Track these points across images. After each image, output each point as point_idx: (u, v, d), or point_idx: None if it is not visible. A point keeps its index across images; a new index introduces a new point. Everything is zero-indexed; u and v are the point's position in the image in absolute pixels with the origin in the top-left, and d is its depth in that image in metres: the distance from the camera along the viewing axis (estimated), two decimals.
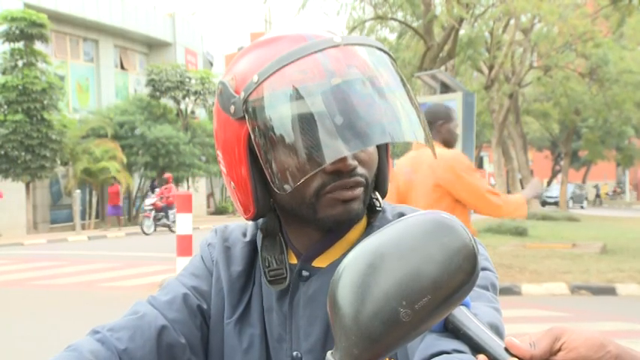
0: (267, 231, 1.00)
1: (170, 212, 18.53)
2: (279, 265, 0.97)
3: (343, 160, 0.87)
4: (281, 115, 0.84)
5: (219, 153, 0.97)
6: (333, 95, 0.82)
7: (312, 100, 0.82)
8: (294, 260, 0.99)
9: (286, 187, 0.85)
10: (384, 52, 0.89)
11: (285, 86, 0.83)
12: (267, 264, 0.98)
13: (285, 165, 0.84)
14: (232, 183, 0.95)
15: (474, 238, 0.65)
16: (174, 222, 18.50)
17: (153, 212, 18.52)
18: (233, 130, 0.90)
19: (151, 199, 18.85)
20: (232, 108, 0.89)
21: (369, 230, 0.98)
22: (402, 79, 0.88)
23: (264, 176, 0.90)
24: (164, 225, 18.77)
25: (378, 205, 1.00)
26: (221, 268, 1.03)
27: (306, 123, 0.82)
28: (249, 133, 0.87)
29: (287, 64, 0.84)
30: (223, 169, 0.96)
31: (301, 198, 0.91)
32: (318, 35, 0.88)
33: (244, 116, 0.87)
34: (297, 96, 0.83)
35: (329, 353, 0.67)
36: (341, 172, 0.89)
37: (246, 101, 0.87)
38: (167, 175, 20.71)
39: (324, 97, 0.82)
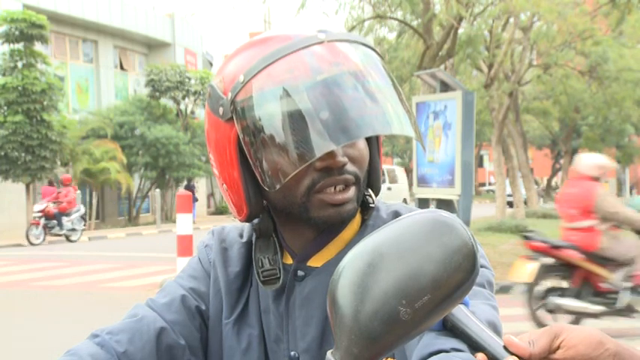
0: (260, 231, 1.00)
1: (65, 219, 15.99)
2: (273, 265, 0.97)
3: (333, 156, 0.87)
4: (268, 112, 0.84)
5: (211, 156, 0.97)
6: (319, 91, 0.82)
7: (297, 96, 0.83)
8: (289, 261, 0.99)
9: (276, 184, 0.86)
10: (369, 47, 0.89)
11: (271, 84, 0.84)
12: (260, 264, 0.98)
13: (274, 162, 0.85)
14: (224, 185, 0.95)
15: (473, 237, 0.65)
16: (72, 230, 16.26)
17: (42, 220, 15.71)
18: (223, 132, 0.91)
19: (40, 205, 16.01)
20: (221, 110, 0.90)
21: (363, 229, 0.99)
22: (388, 74, 0.88)
23: (255, 177, 0.90)
24: (57, 234, 16.14)
25: (371, 201, 1.00)
26: (218, 269, 1.03)
27: (293, 119, 0.82)
28: (238, 134, 0.88)
29: (272, 63, 0.85)
30: (215, 171, 0.97)
31: (292, 197, 0.91)
32: (303, 34, 0.88)
33: (232, 117, 0.88)
34: (283, 93, 0.83)
35: (329, 353, 0.67)
36: (331, 169, 0.89)
37: (233, 102, 0.87)
38: (65, 176, 17.49)
39: (309, 94, 0.82)
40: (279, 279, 0.96)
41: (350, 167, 0.91)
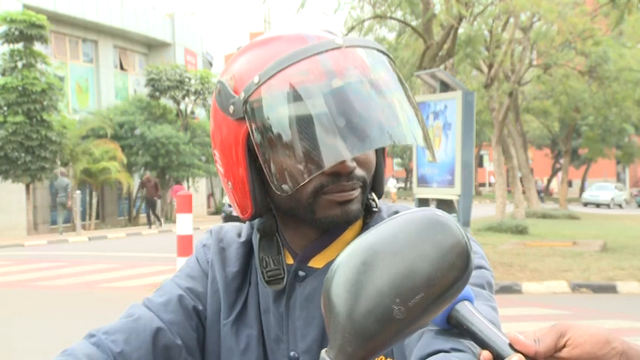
0: (264, 231, 0.99)
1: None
2: (277, 265, 0.97)
3: (342, 162, 0.87)
4: (282, 116, 0.83)
5: (215, 152, 0.96)
6: (335, 98, 0.81)
7: (313, 102, 0.82)
8: (290, 261, 0.99)
9: (286, 188, 0.85)
10: (384, 53, 0.89)
11: (286, 88, 0.83)
12: (264, 264, 0.98)
13: (285, 166, 0.84)
14: (230, 183, 0.94)
15: (467, 236, 0.64)
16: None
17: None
18: (231, 130, 0.90)
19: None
20: (232, 108, 0.89)
21: (364, 230, 0.98)
22: (401, 81, 0.88)
23: (262, 176, 0.90)
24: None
25: (375, 205, 1.00)
26: (216, 269, 1.03)
27: (307, 125, 0.81)
28: (249, 134, 0.87)
29: (288, 66, 0.84)
30: (220, 168, 0.96)
31: (299, 199, 0.91)
32: (318, 36, 0.88)
33: (244, 117, 0.87)
34: (299, 98, 0.82)
35: (323, 351, 0.67)
36: (340, 173, 0.89)
37: (246, 102, 0.86)
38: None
39: (325, 100, 0.81)
40: (282, 279, 0.96)
41: (358, 172, 0.91)
